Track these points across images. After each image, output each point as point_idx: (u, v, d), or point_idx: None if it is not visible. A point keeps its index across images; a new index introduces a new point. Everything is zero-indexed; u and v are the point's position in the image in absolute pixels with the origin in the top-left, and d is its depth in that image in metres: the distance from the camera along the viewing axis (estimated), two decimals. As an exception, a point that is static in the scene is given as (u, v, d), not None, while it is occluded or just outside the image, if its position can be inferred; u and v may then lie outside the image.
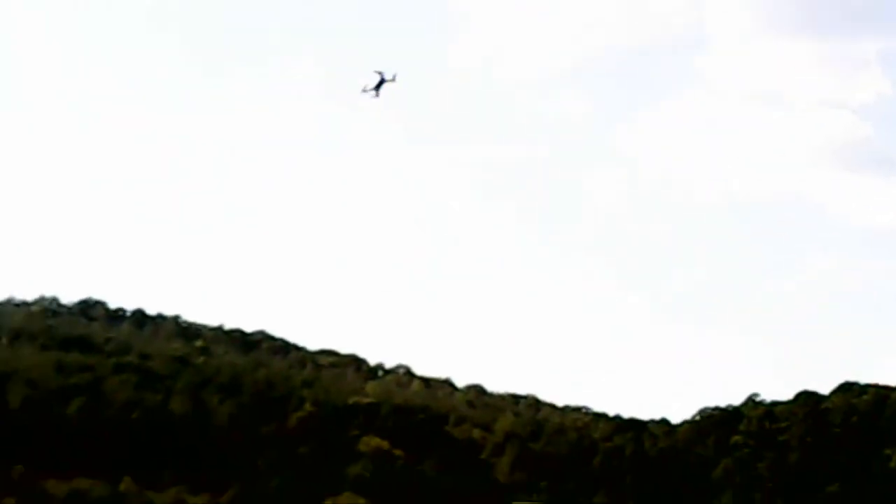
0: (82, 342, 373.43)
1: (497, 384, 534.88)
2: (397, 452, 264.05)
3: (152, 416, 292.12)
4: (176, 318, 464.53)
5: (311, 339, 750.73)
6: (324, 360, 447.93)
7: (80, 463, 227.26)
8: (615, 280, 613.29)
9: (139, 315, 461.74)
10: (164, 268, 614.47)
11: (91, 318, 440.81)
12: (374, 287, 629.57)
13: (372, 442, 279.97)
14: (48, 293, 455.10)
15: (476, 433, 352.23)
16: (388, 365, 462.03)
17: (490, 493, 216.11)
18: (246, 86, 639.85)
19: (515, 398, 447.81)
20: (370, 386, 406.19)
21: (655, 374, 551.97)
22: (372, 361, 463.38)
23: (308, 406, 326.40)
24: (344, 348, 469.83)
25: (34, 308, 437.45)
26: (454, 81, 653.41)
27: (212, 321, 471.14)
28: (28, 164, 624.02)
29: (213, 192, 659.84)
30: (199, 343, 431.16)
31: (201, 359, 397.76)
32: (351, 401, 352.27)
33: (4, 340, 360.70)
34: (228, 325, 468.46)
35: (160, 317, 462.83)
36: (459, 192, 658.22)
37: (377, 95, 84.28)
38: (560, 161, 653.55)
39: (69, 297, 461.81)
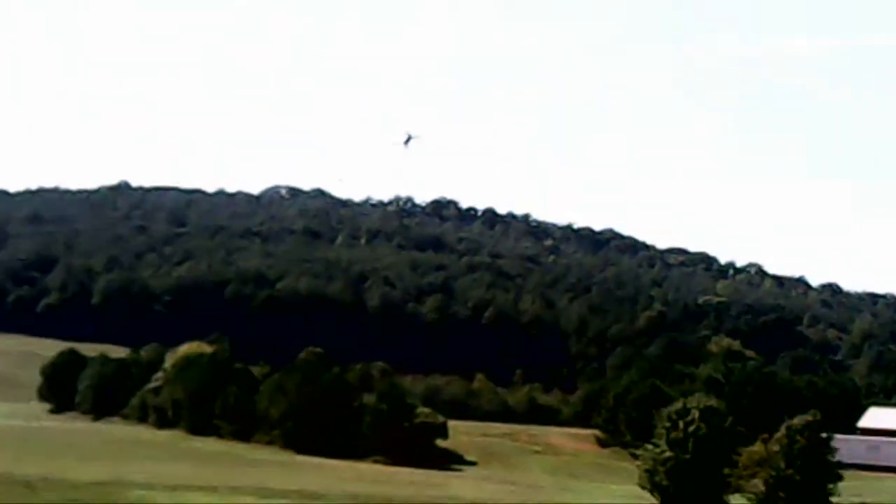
0: (436, 241, 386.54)
1: (854, 283, 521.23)
2: (748, 353, 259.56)
3: (503, 315, 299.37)
4: (526, 217, 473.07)
5: (660, 237, 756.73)
6: (673, 259, 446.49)
7: (435, 360, 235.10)
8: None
9: (490, 214, 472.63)
10: (515, 167, 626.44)
11: (443, 218, 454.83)
12: (723, 183, 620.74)
13: (722, 342, 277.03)
14: (403, 193, 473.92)
15: (831, 334, 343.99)
16: (740, 263, 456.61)
17: (845, 395, 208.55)
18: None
19: (873, 297, 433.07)
20: (720, 285, 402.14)
21: None
22: (722, 260, 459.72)
23: (657, 305, 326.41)
24: (693, 246, 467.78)
25: (390, 208, 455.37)
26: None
27: (561, 220, 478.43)
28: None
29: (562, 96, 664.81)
30: (548, 242, 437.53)
31: (551, 258, 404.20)
32: (701, 300, 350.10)
33: (363, 240, 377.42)
34: (577, 224, 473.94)
35: (510, 216, 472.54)
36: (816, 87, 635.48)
37: (406, 147, 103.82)
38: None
39: (423, 196, 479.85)
